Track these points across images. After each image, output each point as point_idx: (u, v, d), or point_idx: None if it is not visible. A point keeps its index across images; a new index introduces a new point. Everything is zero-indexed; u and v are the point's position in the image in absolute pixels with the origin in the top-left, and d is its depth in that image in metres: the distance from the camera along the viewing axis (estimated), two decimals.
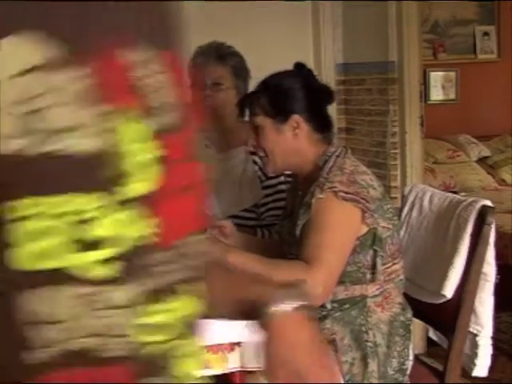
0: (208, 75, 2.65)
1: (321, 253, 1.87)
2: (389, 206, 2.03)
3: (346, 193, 1.93)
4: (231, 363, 1.76)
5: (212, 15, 3.91)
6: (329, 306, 1.99)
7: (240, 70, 2.65)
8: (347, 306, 2.00)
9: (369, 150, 3.89)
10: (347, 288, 1.99)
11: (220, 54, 2.64)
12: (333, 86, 4.06)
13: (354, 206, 1.93)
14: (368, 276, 1.99)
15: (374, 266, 1.98)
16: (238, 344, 1.76)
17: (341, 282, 1.96)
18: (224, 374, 1.78)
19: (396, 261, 2.04)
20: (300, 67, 2.16)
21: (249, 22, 3.98)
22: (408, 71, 3.61)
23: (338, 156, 2.05)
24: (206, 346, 1.73)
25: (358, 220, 1.94)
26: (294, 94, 2.08)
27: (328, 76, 4.06)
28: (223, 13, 3.92)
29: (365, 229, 1.96)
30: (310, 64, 4.10)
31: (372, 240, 1.97)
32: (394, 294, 2.04)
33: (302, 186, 2.11)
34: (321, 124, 2.11)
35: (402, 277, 2.08)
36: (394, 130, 3.68)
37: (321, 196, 1.94)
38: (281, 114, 2.06)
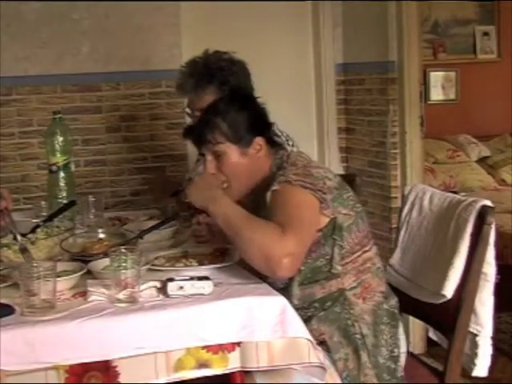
0: (191, 105, 2.65)
1: (293, 223, 1.85)
2: (349, 195, 2.04)
3: (304, 182, 1.94)
4: (231, 363, 1.76)
5: (212, 15, 3.91)
6: (296, 302, 1.96)
7: (227, 83, 2.57)
8: (329, 303, 2.00)
9: (369, 150, 3.89)
10: (323, 286, 2.00)
11: (198, 81, 2.59)
12: (333, 85, 4.09)
13: (311, 195, 1.93)
14: (338, 268, 1.98)
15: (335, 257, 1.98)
16: (239, 344, 1.76)
17: (315, 281, 1.97)
18: (224, 374, 1.78)
19: (366, 248, 2.04)
20: (234, 91, 2.25)
21: (249, 22, 3.98)
22: (408, 71, 3.61)
23: (288, 156, 2.08)
24: (206, 346, 1.73)
25: (316, 209, 1.94)
26: (249, 117, 2.09)
27: (328, 76, 4.07)
28: (223, 13, 3.93)
29: (325, 220, 1.96)
30: (310, 64, 4.12)
31: (333, 230, 1.98)
32: (374, 283, 2.04)
33: (261, 195, 2.07)
34: (270, 135, 2.15)
35: (379, 265, 2.07)
36: (393, 130, 3.68)
37: (276, 188, 1.95)
38: (244, 138, 2.07)
